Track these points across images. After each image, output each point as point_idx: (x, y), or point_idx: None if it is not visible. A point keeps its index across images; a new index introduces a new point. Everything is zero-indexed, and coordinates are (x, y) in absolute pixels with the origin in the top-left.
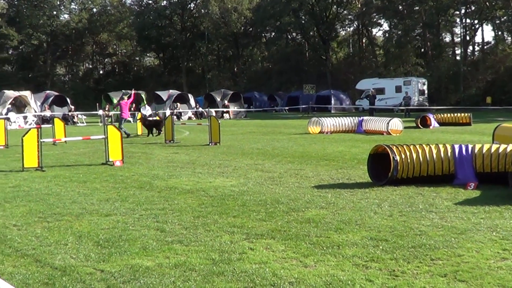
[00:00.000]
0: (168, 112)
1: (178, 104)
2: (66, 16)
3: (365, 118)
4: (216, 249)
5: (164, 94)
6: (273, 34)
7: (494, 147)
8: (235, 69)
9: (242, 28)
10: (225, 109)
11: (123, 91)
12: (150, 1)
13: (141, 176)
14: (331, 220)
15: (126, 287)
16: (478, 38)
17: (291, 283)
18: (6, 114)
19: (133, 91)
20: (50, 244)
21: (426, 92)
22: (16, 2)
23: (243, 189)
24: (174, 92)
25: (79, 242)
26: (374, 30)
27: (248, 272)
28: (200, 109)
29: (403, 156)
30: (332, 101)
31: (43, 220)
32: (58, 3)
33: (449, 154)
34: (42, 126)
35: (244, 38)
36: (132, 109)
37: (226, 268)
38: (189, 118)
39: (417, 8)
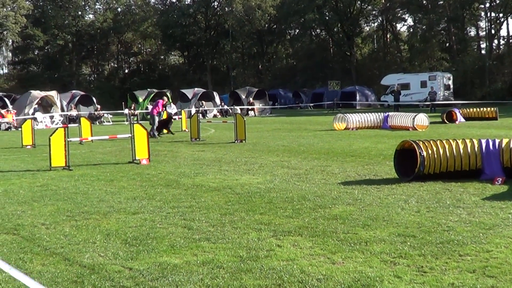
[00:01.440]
0: (193, 110)
1: (203, 102)
2: (91, 16)
3: (390, 113)
4: (244, 246)
5: (189, 92)
6: (297, 31)
7: None
8: (260, 66)
9: (266, 25)
10: (250, 107)
11: (148, 89)
12: (174, 0)
13: (168, 174)
14: (358, 216)
15: (155, 284)
16: (503, 32)
17: (319, 279)
18: (33, 114)
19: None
20: (78, 242)
21: (451, 87)
22: (41, 3)
23: (270, 186)
24: (199, 90)
25: (107, 240)
26: (399, 25)
27: (276, 269)
28: (225, 106)
29: (429, 152)
30: (357, 97)
31: (71, 218)
32: (83, 3)
33: (476, 149)
34: (69, 125)
35: (268, 35)
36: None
37: (254, 265)
38: (214, 116)
39: (441, 2)
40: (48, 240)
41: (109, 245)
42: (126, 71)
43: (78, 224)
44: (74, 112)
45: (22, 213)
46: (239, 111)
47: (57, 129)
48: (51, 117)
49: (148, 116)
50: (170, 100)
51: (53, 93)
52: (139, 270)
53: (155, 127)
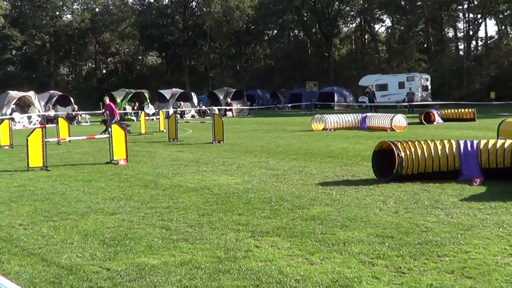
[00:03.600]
0: (171, 110)
1: (181, 102)
2: (68, 16)
3: (368, 114)
4: (222, 247)
5: (167, 93)
6: (275, 31)
7: (499, 142)
8: (238, 67)
9: (244, 26)
10: (228, 107)
11: (126, 90)
12: (151, 0)
13: (146, 174)
14: (336, 217)
15: (133, 285)
16: (481, 33)
17: (297, 280)
18: (11, 114)
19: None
20: (56, 243)
21: (429, 87)
22: (19, 3)
23: (248, 187)
24: (177, 91)
25: (85, 241)
26: (377, 26)
27: (254, 270)
28: (203, 107)
29: (407, 152)
30: (335, 98)
31: (48, 219)
32: (61, 3)
33: (454, 150)
34: (47, 125)
35: (246, 36)
36: (136, 107)
37: (232, 266)
38: (192, 116)
39: (419, 3)
40: (26, 241)
41: (87, 246)
42: (104, 71)
43: (56, 225)
44: (51, 113)
45: (0, 214)
46: (217, 112)
47: (34, 129)
48: (29, 118)
49: (126, 117)
50: (148, 100)
51: (30, 94)
52: (117, 271)
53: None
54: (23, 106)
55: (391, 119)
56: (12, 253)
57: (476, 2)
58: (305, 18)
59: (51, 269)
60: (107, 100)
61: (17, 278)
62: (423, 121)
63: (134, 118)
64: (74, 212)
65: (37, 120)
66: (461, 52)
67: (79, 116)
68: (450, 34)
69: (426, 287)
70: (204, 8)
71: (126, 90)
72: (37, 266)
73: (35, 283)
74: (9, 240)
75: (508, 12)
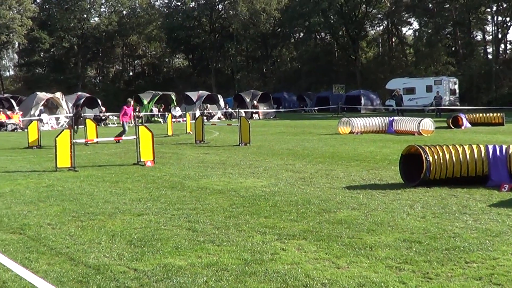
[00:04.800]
0: (198, 112)
1: (208, 105)
2: (96, 19)
3: (395, 118)
4: (248, 249)
5: (193, 95)
6: (302, 34)
7: None
8: (264, 69)
9: (271, 28)
10: (254, 110)
11: (152, 92)
12: (178, 3)
13: (173, 176)
14: (363, 221)
15: (159, 286)
16: (510, 36)
17: (323, 284)
18: (39, 115)
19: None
20: (83, 242)
21: (457, 91)
22: (47, 6)
23: (274, 190)
24: (204, 93)
25: (112, 241)
26: (404, 29)
27: (280, 273)
28: (230, 109)
29: (435, 157)
30: (362, 101)
31: (76, 219)
32: (89, 6)
33: (482, 155)
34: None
35: (273, 39)
36: (162, 109)
37: (258, 268)
38: (219, 118)
39: (447, 6)
40: (54, 240)
41: (114, 246)
42: (131, 73)
43: (84, 225)
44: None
45: (28, 213)
46: (243, 114)
47: (63, 130)
48: (57, 119)
49: (153, 119)
50: (175, 103)
51: (58, 95)
52: (144, 271)
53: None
54: (51, 107)
55: (419, 123)
56: (40, 252)
57: (504, 5)
58: (332, 21)
59: (78, 268)
60: (131, 101)
61: (46, 276)
62: (451, 125)
63: (160, 120)
64: (101, 212)
65: (65, 121)
66: (489, 56)
67: (106, 117)
68: (479, 37)
69: None
70: (230, 11)
71: (153, 92)
72: (65, 265)
73: (63, 282)
74: (37, 239)
75: None
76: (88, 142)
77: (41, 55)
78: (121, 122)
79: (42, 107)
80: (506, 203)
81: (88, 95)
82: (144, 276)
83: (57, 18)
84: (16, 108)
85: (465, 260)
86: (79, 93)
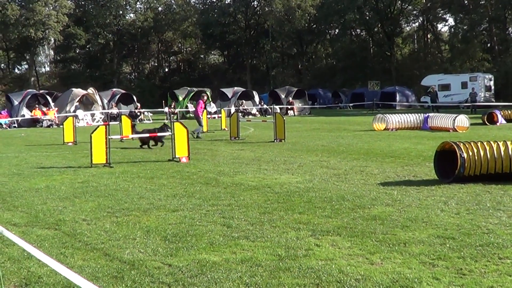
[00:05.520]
0: (233, 109)
1: (243, 101)
2: (132, 15)
3: (430, 114)
4: (282, 245)
5: (229, 92)
6: (337, 30)
7: None
8: (299, 66)
9: (306, 25)
10: (289, 106)
11: (188, 88)
12: (214, 0)
13: (207, 172)
14: (397, 217)
15: (194, 281)
16: None
17: (357, 280)
18: (74, 111)
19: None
20: (118, 238)
21: (492, 88)
22: (82, 2)
23: (309, 186)
24: (239, 89)
25: (147, 236)
26: (439, 25)
27: (314, 269)
28: (265, 106)
29: (470, 153)
30: (397, 98)
31: (111, 215)
32: (124, 2)
33: None
34: (110, 123)
35: (308, 35)
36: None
37: (292, 264)
38: (254, 115)
39: (483, 2)
40: (89, 236)
41: (149, 242)
42: (166, 70)
43: (119, 221)
44: (115, 110)
45: (64, 209)
46: (278, 111)
47: (98, 126)
48: (92, 115)
49: (188, 115)
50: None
51: (90, 90)
52: (178, 267)
53: (200, 129)
54: (86, 103)
55: (454, 120)
56: (75, 247)
57: None
58: (367, 17)
59: (113, 263)
60: (205, 96)
61: (81, 272)
62: (486, 121)
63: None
64: (136, 208)
65: (101, 118)
66: None
67: (142, 114)
68: None
69: None
70: (266, 7)
71: (188, 88)
72: (100, 260)
73: (98, 277)
74: (72, 234)
75: None
76: (124, 138)
77: (77, 52)
78: (196, 117)
79: (77, 103)
80: None
81: (123, 91)
82: (178, 272)
83: (93, 14)
84: (52, 104)
85: (499, 256)
86: (114, 89)
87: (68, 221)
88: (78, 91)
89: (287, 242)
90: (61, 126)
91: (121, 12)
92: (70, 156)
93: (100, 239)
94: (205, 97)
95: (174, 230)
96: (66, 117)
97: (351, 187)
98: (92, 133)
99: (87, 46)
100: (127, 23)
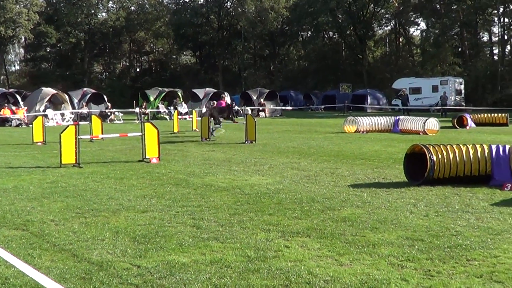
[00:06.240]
0: (204, 110)
1: (215, 102)
2: (103, 14)
3: (401, 117)
4: (252, 246)
5: (200, 92)
6: (309, 33)
7: None
8: (271, 67)
9: (279, 26)
10: (261, 108)
11: (159, 89)
12: (187, 0)
13: (178, 173)
14: (367, 219)
15: (163, 282)
16: None
17: (326, 281)
18: (44, 111)
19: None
20: (87, 239)
21: (463, 92)
22: (54, 1)
23: (279, 187)
24: (210, 90)
25: (116, 237)
26: (411, 29)
27: (283, 270)
28: (236, 107)
29: (439, 156)
30: (369, 100)
31: (80, 215)
32: (96, 1)
33: (486, 154)
34: (80, 123)
35: (280, 37)
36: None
37: (262, 265)
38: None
39: (454, 7)
40: (57, 237)
41: (117, 243)
42: (138, 70)
43: (87, 221)
44: (85, 110)
45: (32, 209)
46: (250, 112)
47: (68, 126)
48: (62, 115)
49: (159, 115)
50: (181, 100)
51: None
52: (147, 268)
53: (215, 127)
54: (56, 103)
55: (424, 123)
56: (43, 248)
57: (511, 7)
58: (340, 20)
59: (81, 265)
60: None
61: (48, 273)
62: (456, 125)
63: (167, 116)
64: (105, 209)
65: (70, 117)
66: (495, 57)
67: (112, 114)
68: (485, 38)
69: None
70: (238, 8)
71: (160, 89)
72: (68, 261)
73: (66, 278)
74: (40, 235)
75: None
76: (93, 138)
77: (47, 50)
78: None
79: (47, 103)
80: (508, 202)
81: (94, 91)
82: (147, 273)
83: (64, 13)
84: (21, 103)
85: (467, 258)
86: (85, 88)
87: (36, 221)
88: (48, 90)
89: (257, 243)
90: (31, 125)
91: (93, 11)
92: (39, 156)
93: (68, 240)
94: (225, 98)
95: (143, 231)
96: (36, 117)
97: (321, 189)
98: (62, 132)
99: (58, 45)
100: (98, 22)
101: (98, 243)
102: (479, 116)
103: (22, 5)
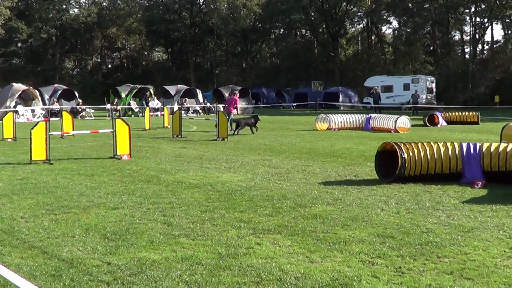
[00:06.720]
0: (176, 107)
1: (186, 99)
2: (75, 10)
3: (373, 115)
4: (223, 243)
5: (172, 89)
6: (282, 30)
7: (502, 146)
8: (244, 65)
9: (251, 24)
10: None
11: (130, 85)
12: None
13: (149, 170)
14: (338, 216)
15: (133, 279)
16: (487, 37)
17: (297, 278)
18: (15, 107)
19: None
20: (57, 236)
21: (434, 90)
22: None
23: (250, 184)
24: (182, 87)
25: (86, 234)
26: (384, 28)
27: (254, 267)
28: (208, 104)
29: (410, 154)
30: (340, 98)
31: (50, 212)
32: None
33: (457, 152)
34: (51, 119)
35: (253, 34)
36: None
37: (233, 262)
38: (196, 112)
39: (427, 5)
40: (27, 234)
41: (88, 240)
42: (110, 66)
43: (58, 218)
44: (56, 106)
45: (1, 206)
46: (221, 109)
47: (38, 122)
48: (33, 111)
49: (130, 112)
50: (153, 96)
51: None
52: (118, 265)
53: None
54: (27, 99)
55: (395, 121)
56: (13, 245)
57: (483, 6)
58: (312, 18)
59: (51, 262)
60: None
61: (18, 270)
62: (427, 123)
63: (138, 113)
64: (76, 206)
65: (41, 114)
66: (467, 56)
67: (83, 110)
68: (457, 37)
69: (425, 287)
70: (211, 5)
71: (131, 85)
72: (38, 258)
73: (36, 275)
74: (10, 232)
75: None
76: (64, 134)
77: (18, 46)
78: (228, 112)
79: (17, 99)
80: (479, 200)
81: (65, 87)
82: (117, 270)
83: (36, 8)
84: None
85: (437, 255)
86: (56, 85)
87: (5, 218)
88: (19, 86)
89: (228, 240)
90: (1, 121)
91: (64, 6)
92: (9, 152)
93: (39, 237)
94: (238, 94)
95: (113, 228)
96: (6, 113)
97: (292, 186)
98: (32, 129)
99: (29, 41)
100: (70, 17)
101: (69, 240)
102: (450, 114)
103: None
